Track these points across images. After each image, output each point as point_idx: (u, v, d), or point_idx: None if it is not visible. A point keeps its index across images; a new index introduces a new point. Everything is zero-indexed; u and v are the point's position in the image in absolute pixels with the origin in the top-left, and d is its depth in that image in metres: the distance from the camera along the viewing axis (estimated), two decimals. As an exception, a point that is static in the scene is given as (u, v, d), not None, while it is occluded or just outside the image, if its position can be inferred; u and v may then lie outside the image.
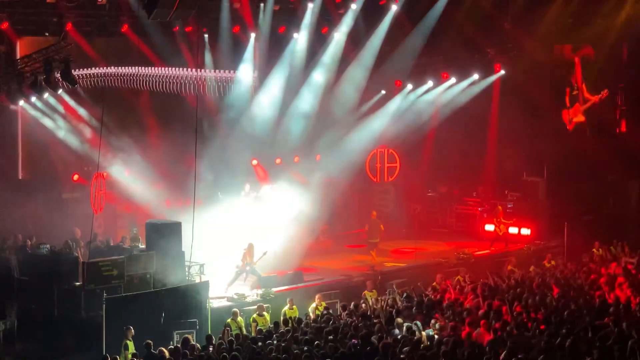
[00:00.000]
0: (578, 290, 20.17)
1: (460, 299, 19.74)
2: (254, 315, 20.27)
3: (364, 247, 28.17)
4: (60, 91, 23.54)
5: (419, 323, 17.49)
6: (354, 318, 18.44)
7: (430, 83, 31.11)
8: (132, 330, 18.09)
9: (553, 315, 17.42)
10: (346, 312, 19.45)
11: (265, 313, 20.38)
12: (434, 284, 22.05)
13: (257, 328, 19.23)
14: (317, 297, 21.19)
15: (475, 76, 30.82)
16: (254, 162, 28.96)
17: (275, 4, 28.58)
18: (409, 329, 16.95)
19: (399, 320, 17.67)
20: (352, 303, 20.06)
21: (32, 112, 25.57)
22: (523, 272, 23.27)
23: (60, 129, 26.06)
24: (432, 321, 17.61)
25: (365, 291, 21.99)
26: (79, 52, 24.49)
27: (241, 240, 23.50)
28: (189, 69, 27.65)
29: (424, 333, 16.96)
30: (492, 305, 18.40)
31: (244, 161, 28.35)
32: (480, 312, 18.16)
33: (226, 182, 26.86)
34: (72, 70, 22.38)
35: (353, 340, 16.31)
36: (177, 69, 27.54)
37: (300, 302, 21.07)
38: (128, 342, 17.95)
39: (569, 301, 18.64)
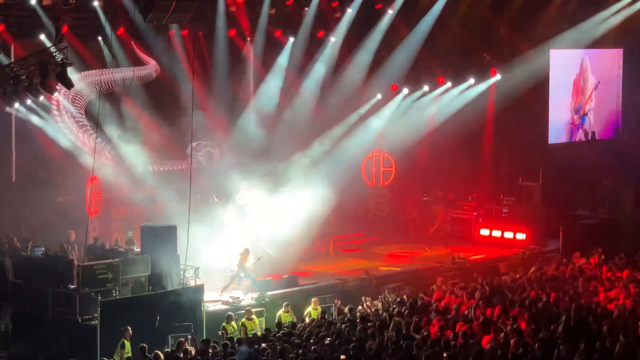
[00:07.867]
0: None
1: (457, 303, 19.68)
2: (243, 320, 20.24)
3: (359, 250, 28.12)
4: (55, 94, 23.47)
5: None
6: (349, 322, 18.40)
7: (426, 87, 31.11)
8: (130, 331, 18.09)
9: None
10: (341, 316, 19.40)
11: (254, 317, 20.37)
12: (434, 286, 22.02)
13: (246, 332, 19.23)
14: (312, 301, 21.16)
15: (471, 80, 30.83)
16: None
17: (271, 7, 28.59)
18: (399, 332, 16.94)
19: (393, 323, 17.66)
20: (347, 307, 20.05)
21: (27, 114, 25.53)
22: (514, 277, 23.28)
23: (55, 131, 25.99)
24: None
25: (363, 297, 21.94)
26: (75, 55, 24.45)
27: (236, 244, 23.52)
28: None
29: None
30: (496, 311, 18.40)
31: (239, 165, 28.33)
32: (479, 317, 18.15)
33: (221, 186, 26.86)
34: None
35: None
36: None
37: (296, 306, 21.07)
38: (125, 341, 18.01)
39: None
